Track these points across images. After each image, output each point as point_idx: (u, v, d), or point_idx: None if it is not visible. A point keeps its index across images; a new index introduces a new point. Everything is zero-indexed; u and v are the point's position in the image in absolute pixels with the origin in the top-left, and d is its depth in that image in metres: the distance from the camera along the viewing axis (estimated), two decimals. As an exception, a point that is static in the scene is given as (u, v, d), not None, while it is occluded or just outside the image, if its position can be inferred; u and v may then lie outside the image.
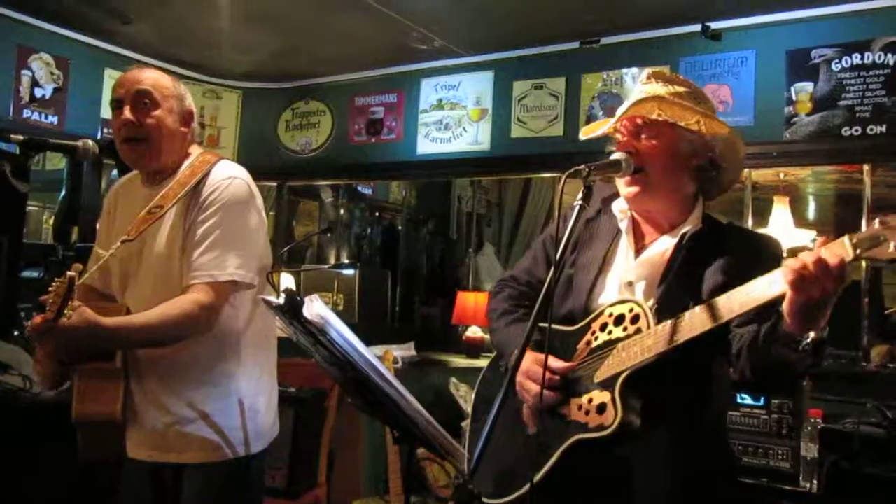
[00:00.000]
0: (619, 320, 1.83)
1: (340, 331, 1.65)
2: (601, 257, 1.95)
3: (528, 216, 6.23)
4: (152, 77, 2.17)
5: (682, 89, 1.89)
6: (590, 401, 1.78)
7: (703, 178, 1.91)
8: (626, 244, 1.96)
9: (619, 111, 1.91)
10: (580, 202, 1.70)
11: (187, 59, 4.91)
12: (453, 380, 4.05)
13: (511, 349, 1.84)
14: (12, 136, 2.07)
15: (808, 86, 3.68)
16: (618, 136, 1.93)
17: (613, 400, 1.73)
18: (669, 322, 1.70)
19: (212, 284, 2.02)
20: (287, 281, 5.39)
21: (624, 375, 1.74)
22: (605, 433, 1.70)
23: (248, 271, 2.08)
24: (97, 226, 2.30)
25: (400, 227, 6.71)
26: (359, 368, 1.69)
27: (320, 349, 1.72)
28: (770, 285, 1.55)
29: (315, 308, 1.62)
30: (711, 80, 3.92)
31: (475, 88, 4.68)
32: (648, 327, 1.76)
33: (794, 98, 3.71)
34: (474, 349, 4.63)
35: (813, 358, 1.54)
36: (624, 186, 1.90)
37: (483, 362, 2.70)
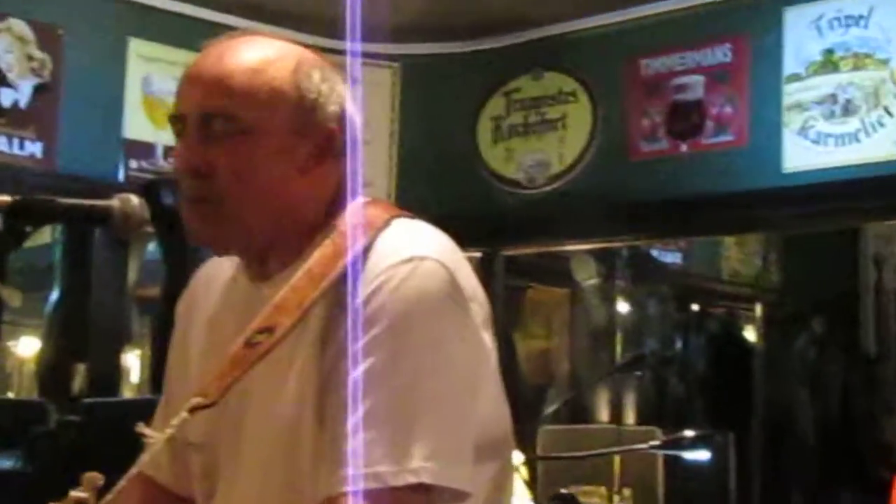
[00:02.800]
0: None
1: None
2: None
3: None
4: (244, 69, 2.22)
5: None
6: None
7: None
8: None
9: None
10: None
11: (292, 9, 5.22)
12: None
13: None
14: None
15: None
16: None
17: None
18: None
19: (380, 495, 2.02)
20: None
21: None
22: None
23: (452, 463, 2.09)
24: (166, 361, 2.51)
25: (749, 336, 7.04)
26: None
27: None
28: None
29: None
30: None
31: None
32: None
33: None
34: None
35: None
36: None
37: None
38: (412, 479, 2.03)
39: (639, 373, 6.62)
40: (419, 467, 2.03)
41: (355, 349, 2.11)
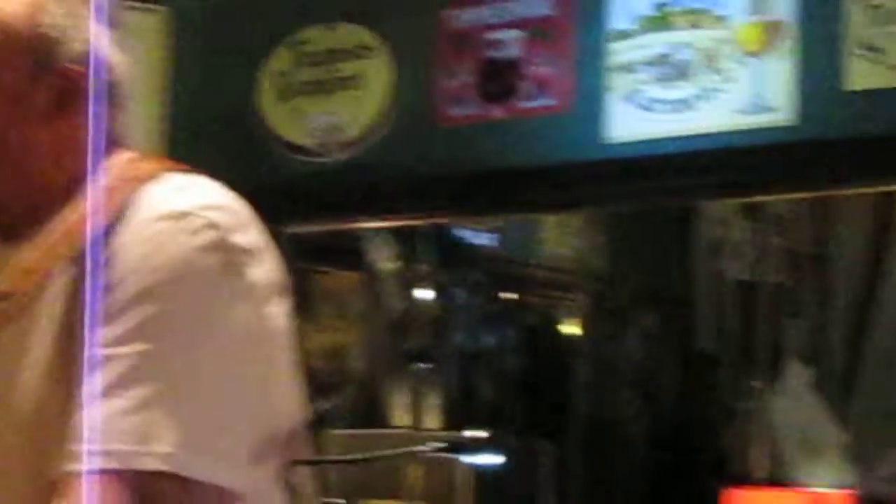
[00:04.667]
0: None
1: None
2: None
3: (893, 288, 6.62)
4: None
5: None
6: None
7: None
8: None
9: None
10: None
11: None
12: None
13: None
14: None
15: None
16: None
17: None
18: None
19: (117, 478, 2.01)
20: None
21: None
22: None
23: (214, 454, 2.11)
24: None
25: (570, 330, 7.20)
26: None
27: None
28: None
29: None
30: None
31: None
32: None
33: None
34: None
35: None
36: None
37: None
38: (157, 465, 2.02)
39: (423, 367, 6.67)
40: (168, 453, 2.03)
41: (103, 315, 2.11)
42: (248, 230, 2.23)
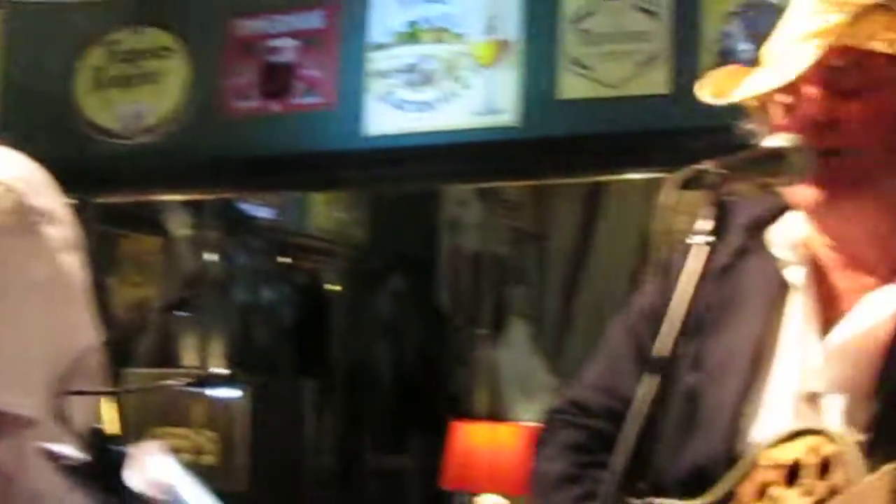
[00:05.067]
0: (793, 475, 1.89)
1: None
2: (752, 344, 2.05)
3: (598, 261, 6.57)
4: None
5: None
6: None
7: None
8: (801, 313, 2.05)
9: (796, 50, 1.98)
10: (705, 235, 1.77)
11: None
12: None
13: None
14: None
15: None
16: (777, 101, 2.02)
17: None
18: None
19: None
20: (104, 410, 5.53)
21: None
22: None
23: (9, 382, 1.94)
24: None
25: (333, 289, 7.09)
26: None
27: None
28: None
29: (152, 468, 1.68)
30: None
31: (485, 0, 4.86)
32: (848, 481, 1.81)
33: None
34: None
35: None
36: (808, 192, 1.99)
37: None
38: None
39: (211, 317, 6.66)
40: None
41: None
42: (43, 194, 2.29)
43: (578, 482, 2.15)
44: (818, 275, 2.07)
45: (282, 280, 7.32)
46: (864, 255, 2.04)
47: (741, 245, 2.14)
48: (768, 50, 2.07)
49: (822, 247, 2.07)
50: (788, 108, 2.01)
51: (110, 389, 5.37)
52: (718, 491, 1.95)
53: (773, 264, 2.09)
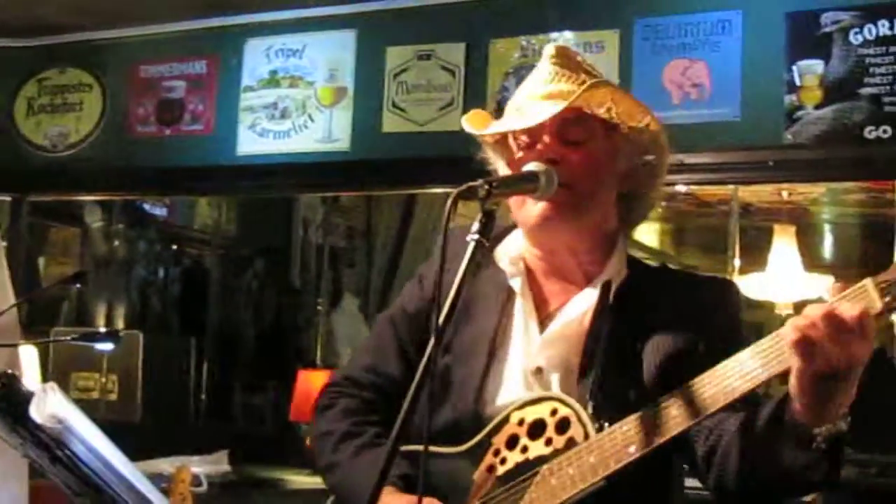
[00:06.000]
0: (536, 430, 1.88)
1: (89, 440, 1.60)
2: (490, 334, 2.02)
3: (410, 253, 6.51)
4: None
5: (595, 73, 2.06)
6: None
7: (627, 204, 2.07)
8: (523, 311, 2.04)
9: (539, 106, 1.98)
10: (476, 236, 1.71)
11: None
12: (291, 511, 4.21)
13: (362, 493, 1.73)
14: None
15: (818, 65, 3.88)
16: (518, 141, 2.02)
17: None
18: (617, 426, 1.78)
19: None
20: (28, 357, 5.09)
21: (566, 515, 1.79)
22: None
23: None
24: None
25: (211, 270, 6.88)
26: (119, 501, 1.61)
27: (60, 469, 1.66)
28: (766, 358, 1.65)
29: (50, 404, 1.57)
30: (679, 52, 4.16)
31: (328, 56, 4.88)
32: (586, 437, 1.81)
33: (797, 82, 3.91)
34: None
35: (828, 463, 1.62)
36: (536, 211, 1.97)
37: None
38: None
39: (117, 290, 6.61)
40: None
41: None
42: None
43: (359, 437, 2.09)
44: (532, 282, 2.07)
45: (172, 263, 7.20)
46: (566, 266, 2.04)
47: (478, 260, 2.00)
48: (513, 102, 2.07)
49: (534, 258, 2.07)
50: (527, 146, 2.00)
51: (20, 342, 5.21)
52: (478, 440, 1.94)
53: (501, 275, 2.07)
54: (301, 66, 4.92)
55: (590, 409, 1.85)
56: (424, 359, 1.64)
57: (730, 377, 1.68)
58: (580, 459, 1.78)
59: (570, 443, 1.82)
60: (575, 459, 1.79)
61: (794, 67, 3.92)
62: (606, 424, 1.80)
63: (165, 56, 5.21)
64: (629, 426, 1.75)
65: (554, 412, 1.86)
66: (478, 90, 4.51)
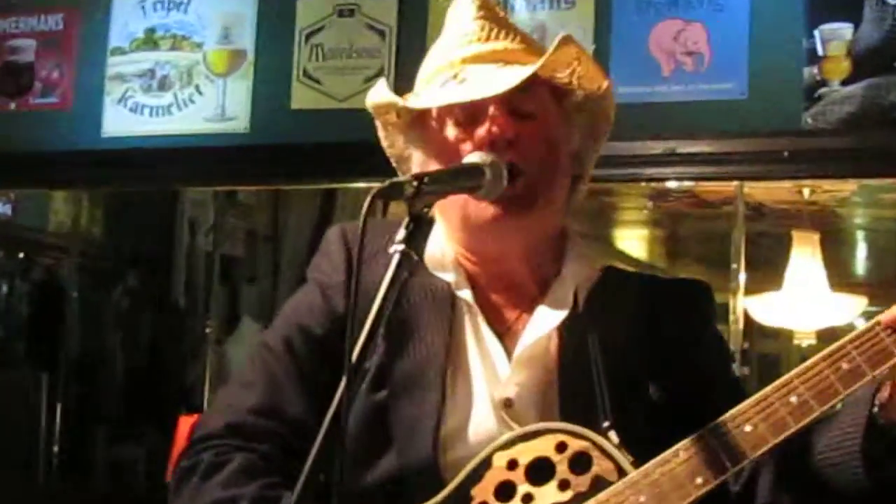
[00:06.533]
0: (539, 472, 1.88)
1: None
2: (440, 360, 2.02)
3: None
4: None
5: (519, 30, 2.12)
6: None
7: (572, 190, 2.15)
8: (475, 329, 2.06)
9: (491, 72, 1.99)
10: (401, 246, 1.73)
11: None
12: None
13: None
14: None
15: (846, 29, 3.87)
16: (453, 117, 2.03)
17: None
18: (667, 455, 1.82)
19: None
20: None
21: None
22: None
23: None
24: None
25: (69, 285, 6.83)
26: None
27: None
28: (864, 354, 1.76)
29: None
30: (671, 11, 4.12)
31: (222, 9, 4.87)
32: (620, 473, 1.84)
33: (820, 51, 3.90)
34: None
35: None
36: (484, 213, 1.99)
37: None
38: None
39: None
40: None
41: None
42: None
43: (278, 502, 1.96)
44: (478, 293, 2.08)
45: (17, 276, 7.14)
46: (515, 272, 2.08)
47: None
48: (434, 68, 2.06)
49: (472, 264, 2.08)
50: (466, 124, 2.01)
51: None
52: (447, 493, 1.92)
53: (437, 282, 2.07)
54: (186, 22, 4.91)
55: (614, 439, 1.88)
56: (337, 395, 1.65)
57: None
58: (627, 501, 1.82)
59: (599, 483, 1.84)
60: (628, 498, 1.82)
61: (816, 32, 3.93)
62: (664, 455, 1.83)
63: (10, 7, 5.16)
64: (685, 453, 1.81)
65: (562, 447, 1.87)
66: (414, 56, 4.44)
